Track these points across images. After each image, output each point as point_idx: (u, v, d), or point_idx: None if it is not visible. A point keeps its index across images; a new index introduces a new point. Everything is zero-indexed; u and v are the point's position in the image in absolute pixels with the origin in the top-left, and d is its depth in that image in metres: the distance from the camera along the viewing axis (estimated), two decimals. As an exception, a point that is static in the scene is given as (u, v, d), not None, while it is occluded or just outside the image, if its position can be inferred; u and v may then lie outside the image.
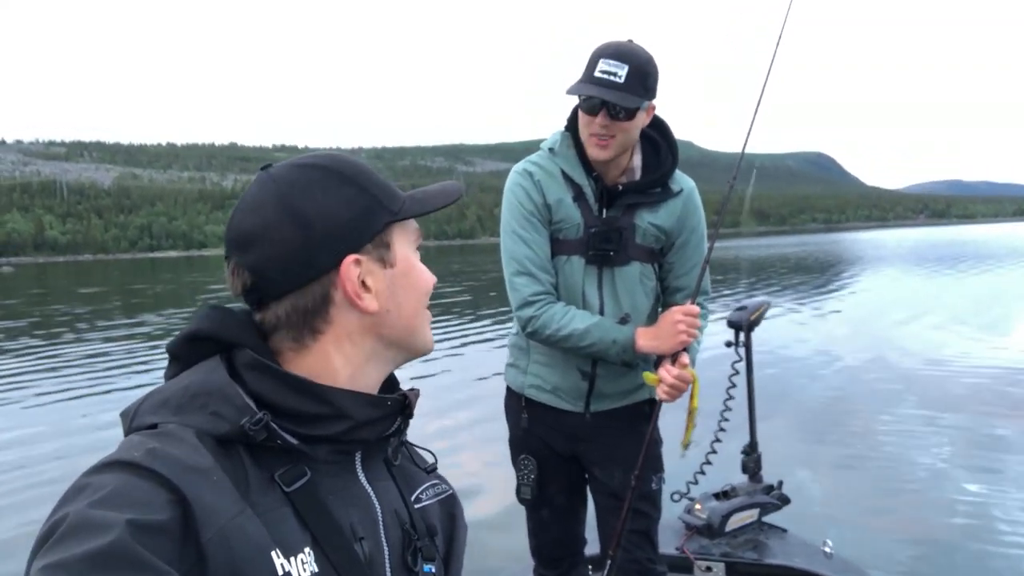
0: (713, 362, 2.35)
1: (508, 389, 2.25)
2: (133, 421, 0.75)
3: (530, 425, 2.18)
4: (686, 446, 2.02)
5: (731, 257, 35.47)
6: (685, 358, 1.94)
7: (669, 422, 2.11)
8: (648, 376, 1.95)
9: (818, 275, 23.03)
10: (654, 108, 2.00)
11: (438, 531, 0.89)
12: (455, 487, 0.95)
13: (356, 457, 0.81)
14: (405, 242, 0.85)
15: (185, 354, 0.78)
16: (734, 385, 2.97)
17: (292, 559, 0.69)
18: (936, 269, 24.11)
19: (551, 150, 2.07)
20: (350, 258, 0.79)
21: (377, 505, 0.81)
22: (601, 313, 2.03)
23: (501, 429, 2.29)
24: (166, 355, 0.80)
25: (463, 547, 0.93)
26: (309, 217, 0.78)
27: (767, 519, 3.19)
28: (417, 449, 0.93)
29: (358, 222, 0.80)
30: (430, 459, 0.93)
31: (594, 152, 1.96)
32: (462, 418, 6.52)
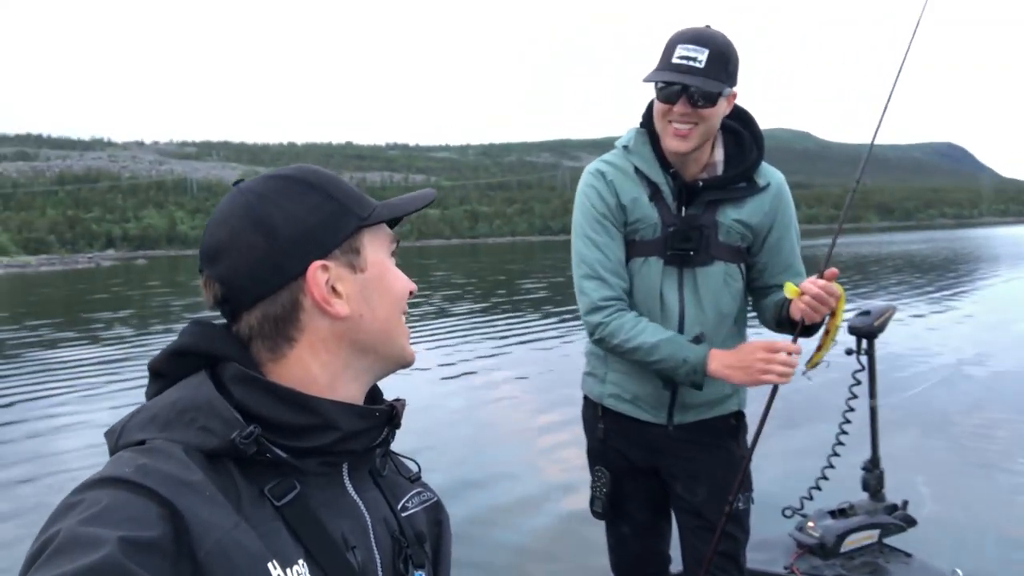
0: (832, 370, 2.17)
1: (585, 398, 2.17)
2: (120, 439, 0.75)
3: (607, 436, 2.09)
4: (813, 366, 1.83)
5: (851, 254, 33.69)
6: (835, 271, 1.77)
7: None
8: (789, 287, 1.78)
9: (946, 274, 21.47)
10: (735, 96, 1.88)
11: (426, 538, 0.90)
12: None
13: (343, 468, 0.82)
14: (378, 247, 0.85)
15: (170, 370, 0.79)
16: (855, 396, 2.77)
17: (288, 569, 0.70)
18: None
19: (625, 147, 1.99)
20: (316, 263, 0.80)
21: (367, 515, 0.82)
22: (682, 317, 1.93)
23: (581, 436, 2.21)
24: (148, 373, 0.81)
25: (450, 552, 0.95)
26: (275, 225, 0.79)
27: (889, 541, 2.97)
28: (401, 458, 0.95)
29: (324, 227, 0.81)
30: (414, 468, 0.95)
31: (673, 144, 1.84)
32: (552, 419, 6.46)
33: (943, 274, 21.45)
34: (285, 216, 0.79)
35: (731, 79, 1.83)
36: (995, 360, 8.37)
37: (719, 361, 1.84)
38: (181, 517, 0.64)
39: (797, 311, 1.79)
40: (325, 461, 0.79)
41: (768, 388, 1.87)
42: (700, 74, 1.77)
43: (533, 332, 11.63)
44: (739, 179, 1.93)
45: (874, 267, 24.72)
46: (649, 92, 1.90)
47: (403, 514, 0.89)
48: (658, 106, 1.86)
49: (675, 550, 2.20)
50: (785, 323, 1.91)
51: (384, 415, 0.83)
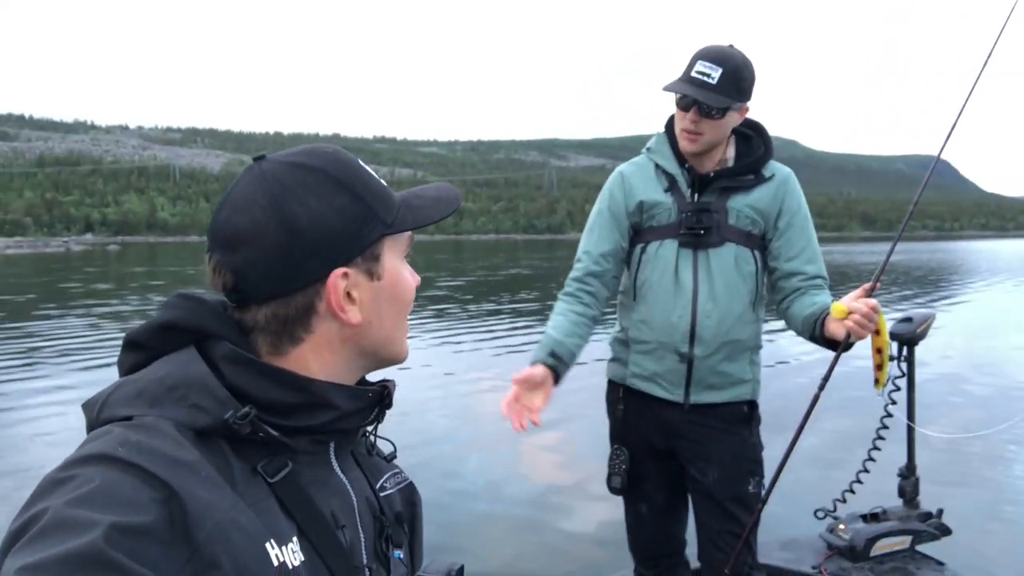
0: (865, 374, 2.18)
1: (609, 382, 2.30)
2: (101, 413, 0.71)
3: (626, 416, 2.23)
4: (884, 384, 2.02)
5: (841, 262, 33.96)
6: (871, 287, 1.92)
7: (766, 424, 2.17)
8: (836, 307, 1.90)
9: (930, 287, 21.68)
10: (747, 109, 2.10)
11: (403, 518, 0.90)
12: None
13: (330, 448, 0.81)
14: (395, 253, 0.82)
15: (155, 344, 0.75)
16: (894, 402, 2.76)
17: (283, 548, 0.69)
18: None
19: (648, 149, 2.23)
20: (338, 271, 0.77)
21: (352, 494, 0.82)
22: (695, 294, 2.08)
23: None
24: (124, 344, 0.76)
25: (422, 535, 0.95)
26: (300, 224, 0.75)
27: (922, 548, 2.95)
28: (376, 438, 0.94)
29: (350, 234, 0.77)
30: (389, 448, 0.93)
31: (684, 144, 2.09)
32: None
33: (924, 286, 21.64)
34: (311, 216, 0.75)
35: (742, 95, 2.04)
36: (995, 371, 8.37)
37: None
38: (178, 498, 0.61)
39: (841, 329, 1.89)
40: (315, 439, 0.78)
41: (812, 393, 2.00)
42: (711, 90, 1.99)
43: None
44: (747, 171, 2.13)
45: (863, 276, 24.91)
46: (667, 99, 2.15)
47: (382, 494, 0.88)
48: (676, 111, 2.10)
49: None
50: (820, 340, 2.01)
51: (376, 395, 0.82)
